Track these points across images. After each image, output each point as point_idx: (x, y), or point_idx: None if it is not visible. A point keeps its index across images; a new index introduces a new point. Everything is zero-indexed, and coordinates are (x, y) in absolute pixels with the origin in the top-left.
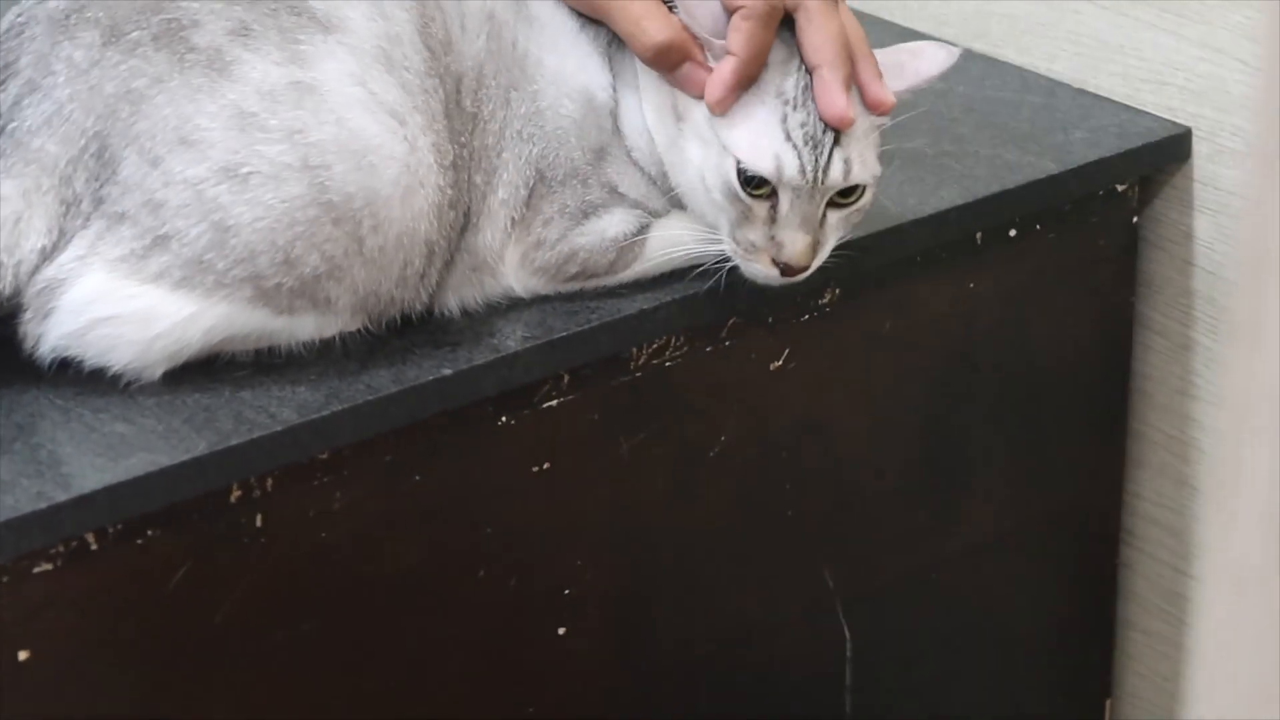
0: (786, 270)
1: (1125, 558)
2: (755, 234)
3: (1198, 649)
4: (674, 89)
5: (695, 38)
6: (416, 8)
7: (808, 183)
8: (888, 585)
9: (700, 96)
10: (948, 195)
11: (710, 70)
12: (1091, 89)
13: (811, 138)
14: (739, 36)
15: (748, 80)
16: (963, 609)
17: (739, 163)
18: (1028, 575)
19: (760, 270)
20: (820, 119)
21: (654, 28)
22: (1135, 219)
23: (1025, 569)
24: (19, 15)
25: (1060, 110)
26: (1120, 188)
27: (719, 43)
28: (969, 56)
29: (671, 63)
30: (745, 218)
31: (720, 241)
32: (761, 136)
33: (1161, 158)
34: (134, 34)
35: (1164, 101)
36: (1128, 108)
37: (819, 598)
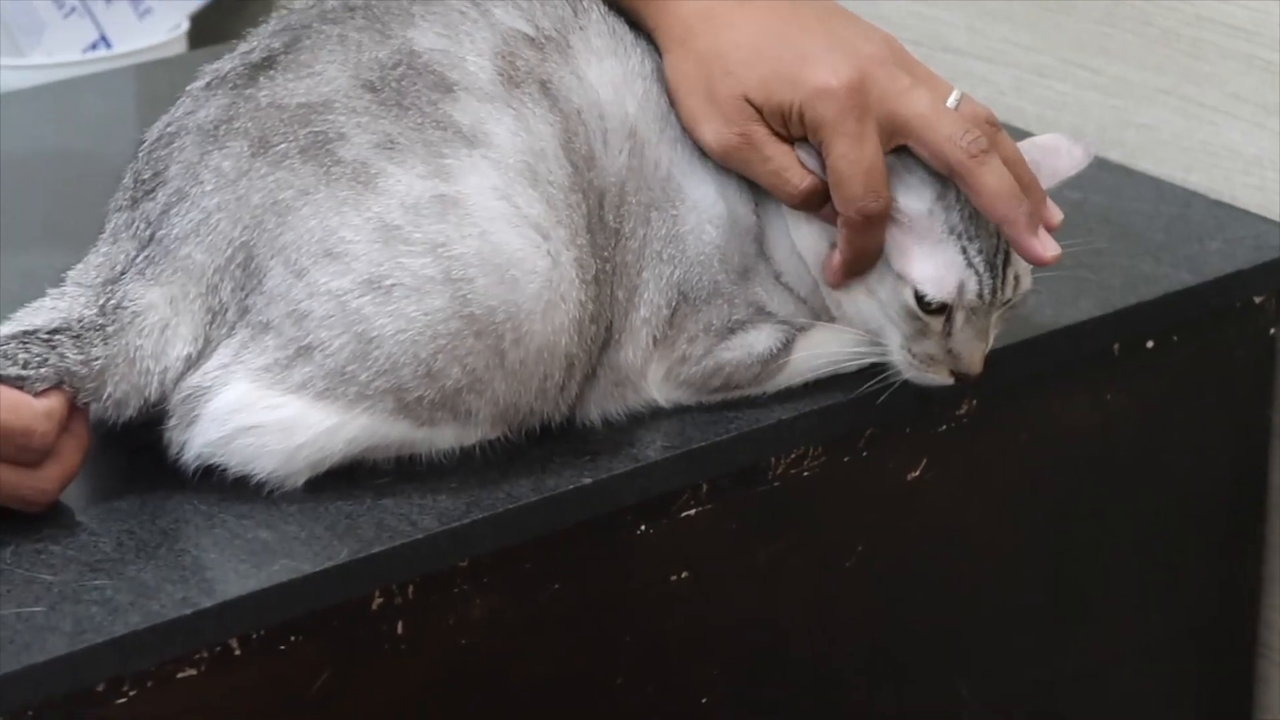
0: (962, 378)
1: (1261, 672)
2: (932, 347)
3: None
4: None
5: None
6: (560, 122)
7: (985, 303)
8: (1022, 697)
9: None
10: (1084, 306)
11: None
12: (1227, 200)
13: (990, 262)
14: (842, 241)
15: (859, 274)
16: None
17: (918, 291)
18: (1161, 688)
19: (935, 379)
20: (999, 246)
21: (796, 176)
22: (1272, 331)
23: (1159, 682)
24: (169, 125)
25: (1196, 221)
26: (1257, 300)
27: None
28: (1104, 166)
29: (817, 205)
30: (921, 333)
31: (874, 351)
32: (945, 270)
33: None
34: (281, 146)
35: None
36: (1264, 219)
37: (953, 709)
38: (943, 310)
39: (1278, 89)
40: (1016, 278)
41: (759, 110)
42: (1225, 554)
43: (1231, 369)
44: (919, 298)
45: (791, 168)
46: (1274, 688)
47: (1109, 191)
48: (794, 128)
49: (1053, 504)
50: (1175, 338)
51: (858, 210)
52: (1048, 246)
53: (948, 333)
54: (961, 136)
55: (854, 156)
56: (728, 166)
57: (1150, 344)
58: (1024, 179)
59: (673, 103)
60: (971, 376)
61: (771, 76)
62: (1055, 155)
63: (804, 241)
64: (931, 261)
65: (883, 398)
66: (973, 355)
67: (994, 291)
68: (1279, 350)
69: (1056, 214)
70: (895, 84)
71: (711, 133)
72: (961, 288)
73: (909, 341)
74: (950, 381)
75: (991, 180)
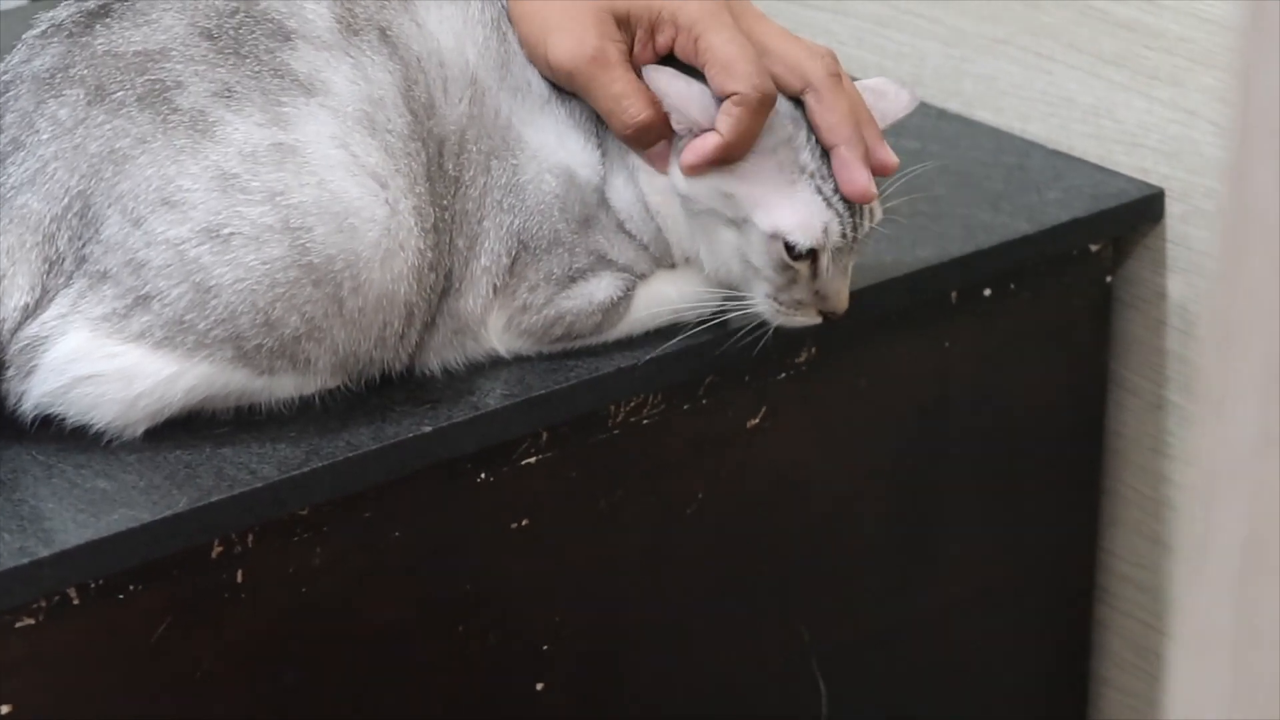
0: (830, 316)
1: (1099, 615)
2: (800, 293)
3: (1169, 706)
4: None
5: (672, 124)
6: (400, 70)
7: (848, 241)
8: (863, 640)
9: (664, 171)
10: (923, 255)
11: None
12: (1065, 150)
13: (845, 200)
14: (729, 121)
15: (728, 161)
16: (937, 664)
17: (787, 241)
18: (1002, 631)
19: (804, 321)
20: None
21: (635, 106)
22: (1108, 279)
23: (999, 625)
24: (4, 74)
25: (1034, 171)
26: (1094, 248)
27: (707, 127)
28: (943, 116)
29: (648, 141)
30: (791, 281)
31: (715, 298)
32: (808, 215)
33: (1134, 218)
34: (119, 94)
35: (1137, 163)
36: (1101, 169)
37: (795, 652)
38: (809, 255)
39: (1113, 39)
40: (870, 210)
41: (619, 24)
42: (1064, 500)
43: (1069, 316)
44: (789, 248)
45: (632, 96)
46: (1112, 631)
47: (947, 141)
48: (662, 33)
49: (893, 451)
50: (1013, 285)
51: (754, 87)
52: (871, 181)
53: (814, 275)
54: (821, 57)
55: (739, 41)
56: (568, 86)
57: (988, 291)
58: (863, 115)
59: (516, 21)
60: (839, 314)
61: None
62: (883, 98)
63: (657, 198)
64: (793, 208)
65: (724, 347)
66: (840, 294)
67: (855, 227)
68: (1115, 298)
69: (893, 155)
70: (751, 9)
71: (564, 45)
72: (826, 229)
73: (777, 291)
74: (818, 320)
75: (844, 102)
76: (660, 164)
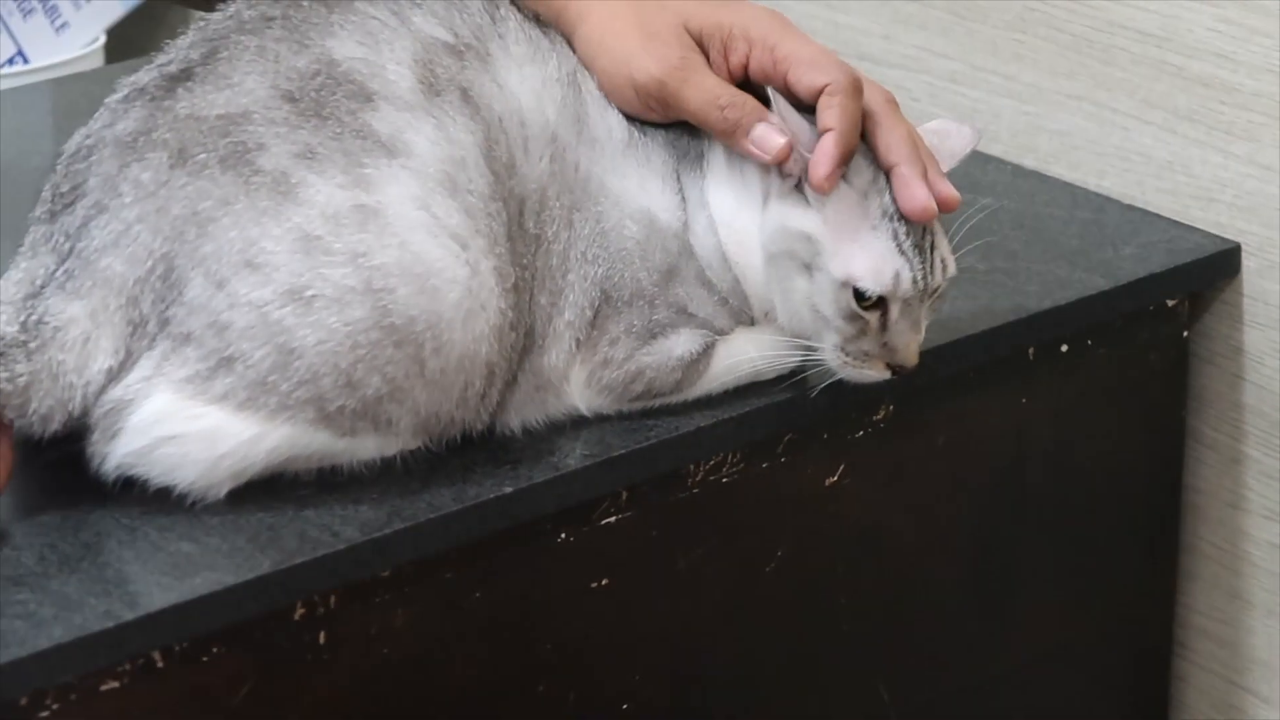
0: (899, 371)
1: (1178, 670)
2: (868, 344)
3: None
4: (759, 223)
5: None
6: (481, 130)
7: (919, 291)
8: (942, 699)
9: (772, 160)
10: (1000, 311)
11: (785, 134)
12: (1140, 205)
13: (918, 246)
14: (832, 112)
15: (849, 153)
16: None
17: (857, 288)
18: (1081, 688)
19: (873, 375)
20: (906, 218)
21: (728, 94)
22: (1185, 334)
23: (1078, 682)
24: (87, 138)
25: (1110, 226)
26: (1170, 303)
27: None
28: (1018, 172)
29: (745, 125)
30: (860, 332)
31: (794, 355)
32: (880, 261)
33: (1211, 273)
34: (201, 156)
35: (1213, 217)
36: (1177, 224)
37: (874, 712)
38: (879, 304)
39: (1188, 94)
40: (943, 262)
41: (695, 38)
42: (1142, 554)
43: (1146, 371)
44: (858, 295)
45: (724, 94)
46: (1191, 686)
47: (1023, 197)
48: (735, 51)
49: (970, 508)
50: (1090, 341)
51: (844, 73)
52: (931, 199)
53: (883, 327)
54: (878, 86)
55: (816, 45)
56: (658, 101)
57: (1065, 348)
58: (922, 148)
59: (594, 58)
60: (909, 369)
61: (706, 3)
62: (948, 138)
63: (730, 236)
64: (866, 253)
65: (814, 393)
66: (909, 347)
67: (925, 278)
68: (1192, 353)
69: (954, 190)
70: (807, 36)
71: (650, 61)
72: (897, 278)
73: (846, 342)
74: (887, 375)
75: (903, 125)
76: (766, 148)
